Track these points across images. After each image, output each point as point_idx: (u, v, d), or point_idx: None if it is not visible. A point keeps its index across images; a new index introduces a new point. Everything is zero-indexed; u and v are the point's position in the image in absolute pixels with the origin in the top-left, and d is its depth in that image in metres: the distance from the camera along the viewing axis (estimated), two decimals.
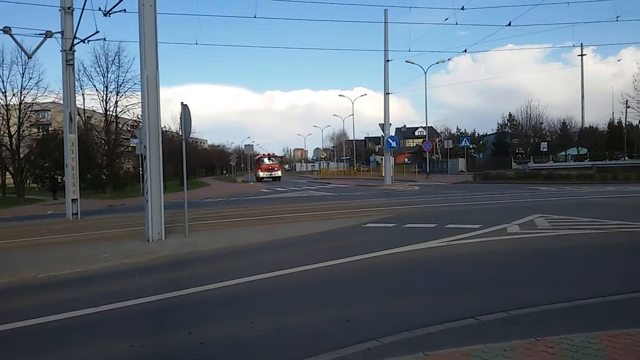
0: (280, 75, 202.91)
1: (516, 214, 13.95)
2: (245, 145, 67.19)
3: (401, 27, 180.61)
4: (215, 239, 11.86)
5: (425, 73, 48.68)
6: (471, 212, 15.64)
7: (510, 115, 76.63)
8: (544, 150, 58.99)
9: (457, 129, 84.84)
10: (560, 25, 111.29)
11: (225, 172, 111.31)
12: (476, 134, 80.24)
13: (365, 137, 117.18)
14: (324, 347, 4.56)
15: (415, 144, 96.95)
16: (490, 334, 4.70)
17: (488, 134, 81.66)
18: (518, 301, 5.74)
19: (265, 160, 65.66)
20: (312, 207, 19.73)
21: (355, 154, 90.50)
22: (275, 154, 71.30)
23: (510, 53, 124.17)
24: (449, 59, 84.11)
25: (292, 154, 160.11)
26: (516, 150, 72.75)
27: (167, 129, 57.39)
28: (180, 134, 14.37)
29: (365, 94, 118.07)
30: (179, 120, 13.82)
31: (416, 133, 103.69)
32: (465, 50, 61.14)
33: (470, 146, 57.91)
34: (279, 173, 63.72)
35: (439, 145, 71.15)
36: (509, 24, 29.57)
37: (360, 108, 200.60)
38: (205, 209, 21.03)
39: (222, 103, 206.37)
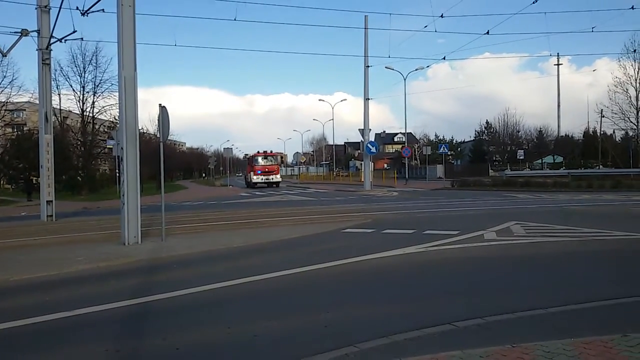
0: (260, 79, 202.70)
1: (493, 220, 14.10)
2: (224, 148, 64.33)
3: (381, 34, 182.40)
4: (193, 243, 11.76)
5: (405, 79, 49.14)
6: (449, 219, 15.76)
7: (487, 122, 77.95)
8: (521, 157, 59.95)
9: (436, 135, 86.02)
10: (537, 35, 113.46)
11: (203, 175, 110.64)
12: (454, 141, 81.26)
13: (345, 142, 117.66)
14: (302, 353, 4.53)
15: (394, 149, 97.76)
16: (467, 340, 4.72)
17: (466, 140, 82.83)
18: (494, 307, 5.80)
19: (260, 160, 50.11)
20: (290, 212, 19.68)
21: (335, 158, 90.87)
22: (274, 151, 53.52)
23: (487, 61, 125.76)
24: (427, 66, 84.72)
25: None
26: (493, 158, 73.82)
27: (145, 131, 56.94)
28: (158, 135, 14.22)
29: (345, 99, 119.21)
30: (156, 122, 13.68)
31: (395, 139, 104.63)
32: (444, 58, 61.61)
33: (448, 153, 58.36)
34: (277, 177, 50.11)
35: (418, 151, 71.80)
36: (487, 33, 29.97)
37: (340, 113, 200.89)
38: (182, 213, 20.85)
39: (201, 105, 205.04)
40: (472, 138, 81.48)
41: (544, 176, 40.70)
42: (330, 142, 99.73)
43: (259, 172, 48.99)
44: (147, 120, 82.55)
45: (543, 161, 67.21)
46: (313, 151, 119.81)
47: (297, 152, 77.16)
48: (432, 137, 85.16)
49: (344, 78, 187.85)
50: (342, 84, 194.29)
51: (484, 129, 78.85)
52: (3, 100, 41.61)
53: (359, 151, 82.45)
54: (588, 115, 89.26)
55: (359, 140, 41.48)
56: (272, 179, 49.00)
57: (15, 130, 52.47)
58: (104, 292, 7.32)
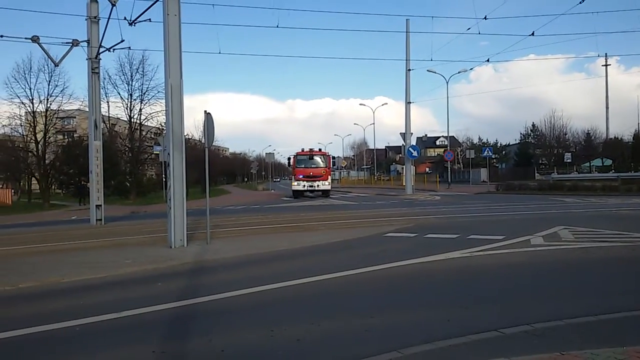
0: (301, 84, 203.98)
1: (540, 225, 13.77)
2: (266, 153, 64.91)
3: (423, 37, 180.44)
4: (237, 247, 11.91)
5: (447, 82, 48.57)
6: (494, 223, 15.46)
7: (533, 125, 76.03)
8: (568, 161, 58.30)
9: (479, 138, 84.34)
10: (584, 35, 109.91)
11: (245, 180, 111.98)
12: (499, 144, 79.60)
13: (385, 146, 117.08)
14: (344, 357, 4.53)
15: (436, 153, 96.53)
16: (514, 347, 4.62)
17: (511, 144, 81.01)
18: (542, 314, 5.65)
19: (303, 160, 38.30)
20: (332, 216, 19.71)
21: (376, 162, 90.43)
22: (323, 150, 41.93)
23: (532, 63, 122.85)
24: (471, 69, 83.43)
25: None
26: (539, 161, 71.95)
27: (190, 137, 58.02)
28: (202, 141, 14.49)
29: (386, 103, 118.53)
30: (201, 128, 13.96)
31: (437, 142, 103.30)
32: (487, 60, 60.79)
33: (493, 156, 57.30)
34: (326, 184, 37.34)
35: (461, 155, 70.75)
36: (532, 34, 29.46)
37: (381, 117, 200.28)
38: (226, 217, 21.15)
39: (243, 111, 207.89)
40: (517, 141, 79.67)
41: (593, 179, 39.43)
42: (371, 146, 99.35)
43: (301, 176, 37.40)
44: (192, 127, 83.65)
45: (591, 164, 65.18)
46: (354, 155, 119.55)
47: (338, 157, 77.17)
48: (476, 141, 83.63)
49: (385, 82, 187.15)
50: (383, 88, 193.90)
51: (529, 132, 77.01)
52: (54, 108, 43.19)
53: (400, 155, 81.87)
54: (638, 117, 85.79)
55: (400, 144, 41.22)
56: (318, 186, 36.96)
57: (65, 136, 54.42)
58: (151, 294, 7.49)
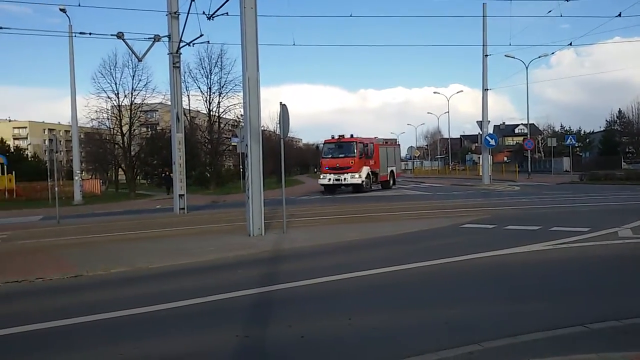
0: (373, 74, 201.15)
1: (627, 217, 13.05)
2: None
3: (501, 21, 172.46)
4: (312, 236, 12.11)
5: (527, 68, 46.65)
6: (578, 214, 14.81)
7: (619, 111, 71.72)
8: None
9: (561, 126, 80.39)
10: None
11: (315, 170, 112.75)
12: (582, 132, 75.72)
13: (460, 135, 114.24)
14: (423, 348, 4.53)
15: (515, 142, 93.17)
16: (601, 343, 4.46)
17: (595, 131, 76.89)
18: (632, 310, 5.39)
19: (328, 150, 32.51)
20: (406, 207, 19.55)
21: (450, 152, 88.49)
22: (355, 136, 32.31)
23: (618, 46, 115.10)
24: (552, 53, 79.15)
25: None
26: (626, 149, 67.90)
27: (265, 128, 59.07)
28: (277, 132, 14.75)
29: (462, 91, 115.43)
30: (276, 119, 14.20)
31: (516, 130, 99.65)
32: (570, 44, 57.91)
33: (576, 144, 54.54)
34: (356, 177, 30.61)
35: (542, 143, 67.98)
36: (619, 15, 27.88)
37: (456, 105, 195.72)
38: (300, 206, 21.47)
39: (316, 102, 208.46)
40: (602, 128, 75.47)
41: None
42: (445, 136, 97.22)
43: (327, 168, 31.71)
44: (267, 118, 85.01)
45: None
46: (427, 145, 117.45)
47: (411, 146, 76.21)
48: (557, 128, 79.92)
49: (461, 69, 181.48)
50: (458, 75, 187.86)
51: (615, 119, 72.69)
52: (138, 102, 45.25)
53: (476, 144, 79.74)
54: None
55: (476, 133, 40.16)
56: (346, 179, 30.68)
57: (149, 129, 56.96)
58: (233, 281, 7.77)
